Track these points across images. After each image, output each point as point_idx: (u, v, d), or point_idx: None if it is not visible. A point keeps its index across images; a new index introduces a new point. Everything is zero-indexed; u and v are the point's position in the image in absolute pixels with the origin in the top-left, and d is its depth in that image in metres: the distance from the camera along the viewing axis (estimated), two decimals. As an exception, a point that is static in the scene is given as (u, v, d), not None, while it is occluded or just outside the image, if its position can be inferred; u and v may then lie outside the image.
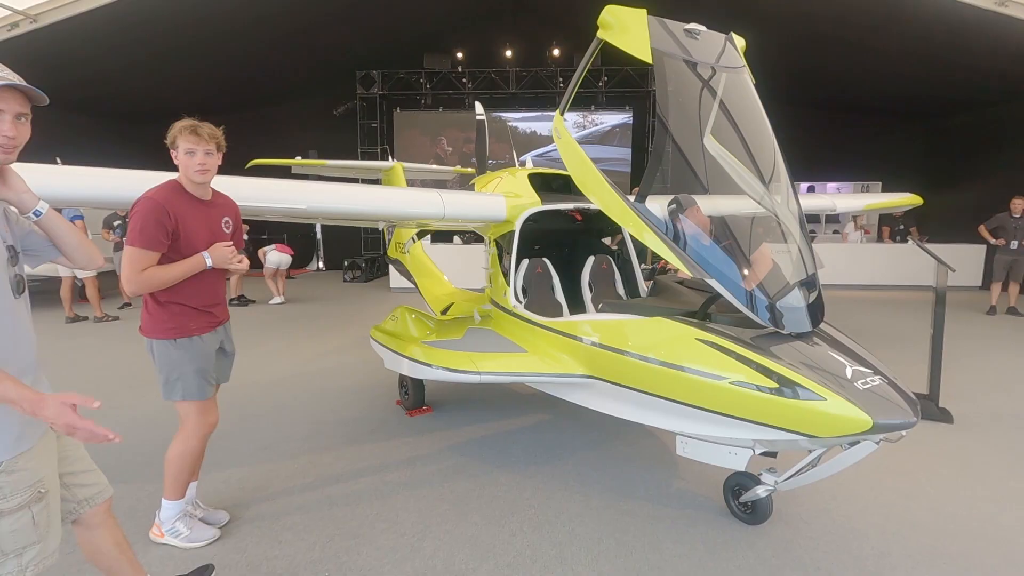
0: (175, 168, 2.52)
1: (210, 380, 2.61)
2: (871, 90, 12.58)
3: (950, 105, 12.64)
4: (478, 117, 6.11)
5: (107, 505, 1.94)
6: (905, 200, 7.07)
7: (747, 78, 3.10)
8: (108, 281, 9.47)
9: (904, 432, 2.18)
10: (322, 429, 4.10)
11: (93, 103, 11.56)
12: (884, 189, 13.12)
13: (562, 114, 3.12)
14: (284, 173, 8.83)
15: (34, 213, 1.71)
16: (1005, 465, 3.61)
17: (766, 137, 3.00)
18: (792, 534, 2.81)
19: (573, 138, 3.04)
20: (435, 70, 14.30)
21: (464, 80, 14.42)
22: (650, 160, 2.83)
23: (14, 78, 1.52)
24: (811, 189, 13.64)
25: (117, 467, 3.50)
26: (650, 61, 2.78)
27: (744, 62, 3.13)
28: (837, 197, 8.24)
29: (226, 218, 2.65)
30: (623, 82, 13.86)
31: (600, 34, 2.91)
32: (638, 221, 2.70)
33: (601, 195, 2.89)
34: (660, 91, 2.82)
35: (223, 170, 2.65)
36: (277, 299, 9.76)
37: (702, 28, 3.00)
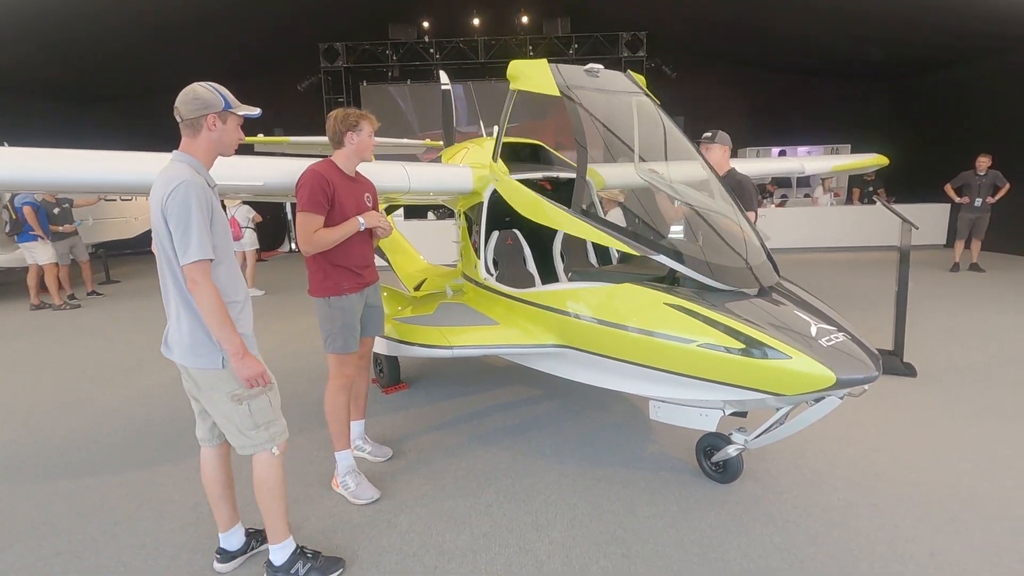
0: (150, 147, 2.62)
1: (355, 335, 2.90)
2: (838, 53, 12.59)
3: (913, 66, 12.72)
4: (443, 87, 5.95)
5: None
6: (870, 161, 7.13)
7: (649, 101, 3.33)
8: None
9: (867, 387, 2.22)
10: (294, 411, 4.02)
11: (41, 85, 11.01)
12: (853, 151, 13.24)
13: (495, 161, 3.41)
14: (247, 151, 8.55)
15: None
16: (964, 415, 3.73)
17: (685, 147, 3.28)
18: (762, 490, 2.87)
19: (511, 178, 3.47)
20: (401, 41, 13.90)
21: (432, 51, 14.05)
22: (576, 182, 3.02)
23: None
24: (783, 153, 13.72)
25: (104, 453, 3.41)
26: (558, 94, 3.07)
27: (644, 91, 3.37)
28: (805, 159, 8.29)
29: (367, 193, 2.95)
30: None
31: (512, 86, 3.34)
32: (592, 230, 2.91)
33: (555, 219, 3.11)
34: (573, 121, 3.01)
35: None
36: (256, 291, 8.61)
37: (600, 67, 3.28)
